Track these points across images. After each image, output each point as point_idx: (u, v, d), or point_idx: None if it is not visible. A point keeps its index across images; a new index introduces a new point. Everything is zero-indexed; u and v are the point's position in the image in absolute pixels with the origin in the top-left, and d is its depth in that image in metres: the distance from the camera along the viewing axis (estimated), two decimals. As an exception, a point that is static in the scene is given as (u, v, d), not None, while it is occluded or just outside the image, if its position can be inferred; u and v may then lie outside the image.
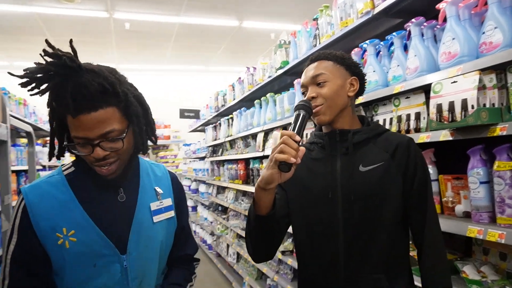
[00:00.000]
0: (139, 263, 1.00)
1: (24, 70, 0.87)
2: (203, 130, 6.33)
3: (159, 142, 8.74)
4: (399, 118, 1.60)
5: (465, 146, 1.33)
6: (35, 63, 0.87)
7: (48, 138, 6.49)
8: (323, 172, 1.09)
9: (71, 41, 0.90)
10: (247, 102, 3.99)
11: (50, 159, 0.99)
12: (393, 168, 1.05)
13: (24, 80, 0.87)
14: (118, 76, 0.94)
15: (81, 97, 0.84)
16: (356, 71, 1.12)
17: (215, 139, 4.89)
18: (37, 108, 4.97)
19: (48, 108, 0.92)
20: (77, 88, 0.84)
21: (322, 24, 2.43)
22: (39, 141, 5.88)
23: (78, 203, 0.94)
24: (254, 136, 3.54)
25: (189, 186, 6.89)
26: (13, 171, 3.51)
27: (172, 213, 1.10)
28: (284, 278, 2.94)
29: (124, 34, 6.80)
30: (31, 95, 0.90)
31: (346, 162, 1.08)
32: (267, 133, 3.22)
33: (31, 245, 0.91)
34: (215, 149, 5.05)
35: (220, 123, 4.66)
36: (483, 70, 1.22)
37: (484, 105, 1.20)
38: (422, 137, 1.42)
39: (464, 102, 1.19)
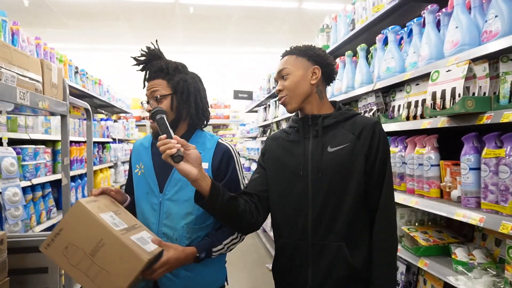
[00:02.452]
0: (169, 203, 1.31)
1: (133, 58, 1.40)
2: (257, 111, 6.58)
3: (219, 121, 9.24)
4: (409, 104, 1.65)
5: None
6: (136, 57, 1.39)
7: (120, 114, 7.29)
8: (297, 152, 1.24)
9: (156, 41, 1.41)
10: (294, 84, 4.11)
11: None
12: (358, 149, 1.18)
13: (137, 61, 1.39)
14: (181, 68, 1.37)
15: (149, 71, 1.35)
16: (318, 60, 1.24)
17: (265, 120, 5.10)
18: (110, 87, 5.60)
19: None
20: (149, 66, 1.35)
21: (358, 8, 2.46)
22: (112, 117, 6.63)
23: (150, 152, 1.40)
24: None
25: (243, 164, 7.25)
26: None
27: None
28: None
29: (189, 17, 7.21)
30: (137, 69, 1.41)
31: (316, 143, 1.22)
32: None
33: (130, 168, 1.47)
34: (265, 129, 5.27)
35: (269, 105, 4.85)
36: (477, 60, 1.24)
37: (474, 94, 1.23)
38: (424, 124, 1.47)
39: (453, 91, 1.23)
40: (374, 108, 1.96)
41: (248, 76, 8.89)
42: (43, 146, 2.97)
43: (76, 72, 4.15)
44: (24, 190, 2.71)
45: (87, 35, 7.99)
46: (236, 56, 9.44)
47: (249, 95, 5.72)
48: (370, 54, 2.26)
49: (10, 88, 1.07)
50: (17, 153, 2.53)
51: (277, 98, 4.72)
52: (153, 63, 1.34)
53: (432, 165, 1.51)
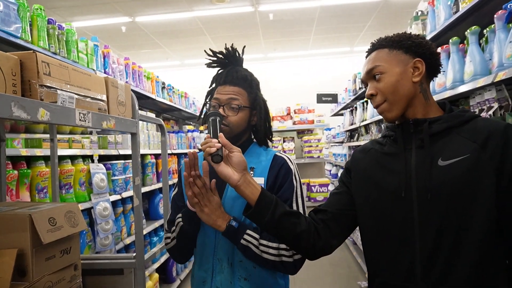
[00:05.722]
0: None
1: (210, 56, 1.30)
2: (343, 114, 6.18)
3: (304, 126, 8.98)
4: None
5: None
6: (213, 57, 1.30)
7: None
8: (395, 168, 0.97)
9: (243, 48, 1.33)
10: (384, 83, 3.69)
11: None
12: (483, 161, 0.88)
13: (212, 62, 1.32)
14: (258, 84, 1.31)
15: (231, 75, 1.24)
16: (419, 51, 0.96)
17: (352, 124, 4.72)
18: (196, 99, 5.81)
19: (210, 86, 1.32)
20: (232, 70, 1.25)
21: (464, -15, 2.02)
22: (200, 128, 6.88)
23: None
24: (388, 120, 3.27)
25: (330, 171, 6.89)
26: (174, 154, 4.26)
27: None
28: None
29: (269, 24, 7.17)
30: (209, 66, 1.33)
31: (422, 156, 0.94)
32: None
33: (181, 191, 1.30)
34: (352, 134, 4.88)
35: (356, 107, 4.46)
36: None
37: None
38: None
39: None
40: (495, 105, 1.54)
41: (332, 78, 8.50)
42: (132, 161, 3.10)
43: (163, 88, 4.35)
44: (116, 203, 2.85)
45: (176, 52, 8.52)
46: (319, 59, 9.14)
47: (333, 98, 5.38)
48: (484, 38, 1.82)
49: (67, 110, 1.01)
50: (107, 169, 2.66)
51: (364, 100, 4.34)
52: (236, 68, 1.27)
53: None
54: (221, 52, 1.29)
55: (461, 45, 1.98)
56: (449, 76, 1.95)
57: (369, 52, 1.04)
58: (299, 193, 1.21)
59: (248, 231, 1.13)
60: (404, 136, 0.99)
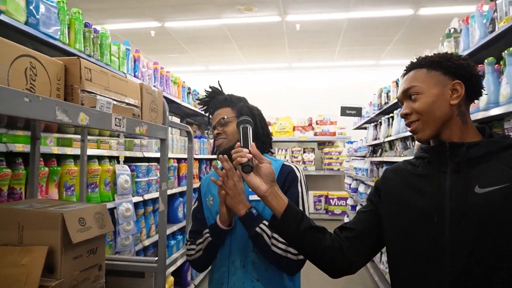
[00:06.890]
0: (235, 235, 1.29)
1: (198, 99, 1.54)
2: (366, 128, 6.10)
3: (325, 138, 8.91)
4: None
5: None
6: (202, 98, 1.54)
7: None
8: (428, 190, 0.95)
9: (218, 81, 1.56)
10: (411, 99, 3.63)
11: (213, 152, 1.50)
12: None
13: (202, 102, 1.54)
14: (242, 98, 1.46)
15: (213, 104, 1.43)
16: (459, 73, 0.94)
17: (375, 139, 4.65)
18: (219, 105, 5.87)
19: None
20: (213, 101, 1.45)
21: (502, 3, 1.98)
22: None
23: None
24: (414, 138, 3.21)
25: (350, 185, 6.79)
26: (196, 159, 4.30)
27: None
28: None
29: (295, 34, 7.19)
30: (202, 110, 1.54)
31: (458, 181, 0.91)
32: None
33: (200, 204, 1.42)
34: (375, 148, 4.81)
35: (380, 122, 4.40)
36: None
37: None
38: None
39: None
40: (532, 130, 1.49)
41: (357, 91, 8.42)
42: (156, 164, 3.15)
43: (189, 93, 4.42)
44: (137, 205, 2.89)
45: (201, 57, 8.65)
46: (344, 71, 9.08)
47: (357, 112, 5.33)
48: (522, 59, 1.76)
49: (105, 115, 1.04)
50: (132, 170, 2.71)
51: (389, 115, 4.27)
52: (216, 98, 1.44)
53: None
54: (205, 96, 1.50)
55: (497, 65, 1.93)
56: (483, 97, 1.91)
57: (407, 71, 1.03)
58: (305, 198, 1.28)
59: (265, 222, 1.20)
60: (440, 158, 0.97)
